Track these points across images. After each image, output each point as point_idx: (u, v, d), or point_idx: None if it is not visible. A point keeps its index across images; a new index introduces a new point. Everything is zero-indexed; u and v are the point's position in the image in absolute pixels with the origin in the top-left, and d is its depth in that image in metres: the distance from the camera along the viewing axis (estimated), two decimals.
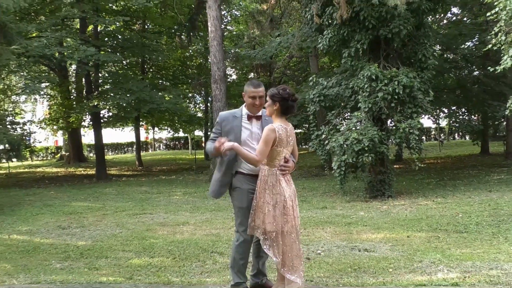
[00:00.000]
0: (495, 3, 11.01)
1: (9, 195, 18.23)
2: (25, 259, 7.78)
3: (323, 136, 14.07)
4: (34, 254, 8.11)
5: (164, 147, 55.77)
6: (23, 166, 33.96)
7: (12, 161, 23.27)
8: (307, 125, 28.68)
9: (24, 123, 26.42)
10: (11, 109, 33.31)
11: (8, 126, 18.34)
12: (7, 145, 15.07)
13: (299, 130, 38.17)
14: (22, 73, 28.32)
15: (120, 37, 26.95)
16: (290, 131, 4.91)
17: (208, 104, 34.10)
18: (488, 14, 11.74)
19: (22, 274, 6.72)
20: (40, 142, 36.79)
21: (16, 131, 20.35)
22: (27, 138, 24.02)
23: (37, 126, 32.44)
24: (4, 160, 17.24)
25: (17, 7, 13.97)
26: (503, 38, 11.11)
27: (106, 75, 28.48)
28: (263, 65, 32.17)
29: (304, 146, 40.22)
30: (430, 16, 18.08)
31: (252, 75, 34.17)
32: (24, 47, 18.79)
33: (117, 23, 26.09)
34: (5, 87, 30.09)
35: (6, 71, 25.98)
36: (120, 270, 6.72)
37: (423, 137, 14.20)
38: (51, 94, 32.23)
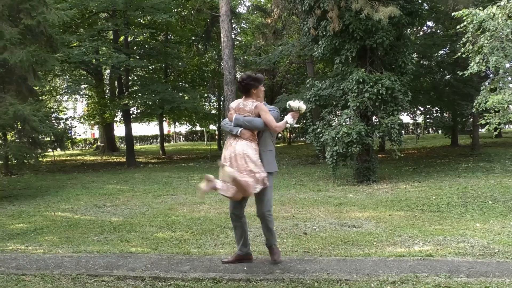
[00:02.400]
0: (464, 18, 11.00)
1: (54, 178, 18.32)
2: (67, 232, 7.83)
3: (318, 130, 14.07)
4: (75, 228, 8.17)
5: (183, 139, 55.75)
6: (66, 154, 34.06)
7: (56, 151, 23.26)
8: (304, 121, 28.68)
9: (67, 119, 26.38)
10: (55, 107, 33.31)
11: (53, 121, 18.34)
12: (52, 137, 15.08)
13: (297, 125, 38.06)
14: (64, 77, 28.55)
15: (146, 46, 26.91)
16: (244, 105, 5.00)
17: (221, 103, 34.05)
18: (458, 27, 11.68)
19: (65, 245, 6.77)
20: (79, 134, 36.84)
21: (59, 126, 20.35)
22: (69, 131, 23.99)
23: (77, 121, 32.57)
24: (50, 150, 17.25)
25: (61, 21, 13.98)
26: (470, 47, 11.07)
27: (135, 78, 28.47)
28: (267, 69, 32.14)
29: (301, 139, 40.15)
30: (409, 29, 18.00)
31: (258, 77, 34.03)
32: (66, 54, 18.85)
33: (144, 34, 26.11)
34: (51, 88, 30.15)
35: (52, 75, 26.17)
36: (147, 242, 6.75)
37: (403, 131, 14.15)
38: (89, 94, 32.31)
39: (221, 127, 5.10)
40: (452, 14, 11.56)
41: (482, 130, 19.69)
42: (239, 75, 31.66)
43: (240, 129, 4.88)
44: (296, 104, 5.13)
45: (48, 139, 15.30)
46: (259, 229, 6.23)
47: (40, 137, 13.98)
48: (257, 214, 5.22)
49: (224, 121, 5.20)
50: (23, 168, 15.55)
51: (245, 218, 5.35)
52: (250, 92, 5.04)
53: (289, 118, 5.10)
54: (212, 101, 38.47)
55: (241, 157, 4.76)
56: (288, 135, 40.22)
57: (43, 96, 25.46)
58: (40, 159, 14.50)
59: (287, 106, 5.19)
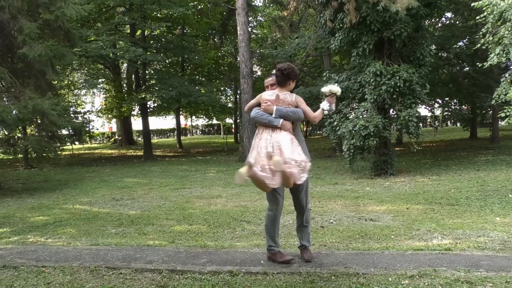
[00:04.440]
0: (484, 8, 10.85)
1: (73, 172, 18.51)
2: (86, 225, 7.90)
3: (335, 123, 14.01)
4: (93, 221, 8.22)
5: (200, 132, 55.97)
6: (84, 148, 34.40)
7: (75, 144, 23.48)
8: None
9: (85, 113, 26.63)
10: (74, 101, 33.68)
11: (72, 115, 18.51)
12: (71, 131, 15.23)
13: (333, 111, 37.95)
14: (82, 71, 28.80)
15: (163, 40, 27.00)
16: (285, 97, 4.86)
17: (237, 96, 34.07)
18: (477, 17, 11.55)
19: (84, 237, 6.83)
20: (97, 128, 37.26)
21: (78, 119, 20.52)
22: (87, 125, 24.19)
23: (95, 115, 32.93)
24: (68, 143, 17.43)
25: (79, 16, 14.06)
26: (490, 38, 10.94)
27: (152, 72, 28.59)
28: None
29: (318, 132, 40.04)
30: (427, 20, 17.79)
31: (274, 71, 34.06)
32: (84, 49, 19.00)
33: (161, 28, 26.18)
34: (69, 82, 30.45)
35: (70, 69, 26.42)
36: (164, 235, 6.78)
37: (420, 124, 14.06)
38: (107, 88, 32.61)
39: (254, 118, 4.90)
40: (472, 4, 11.42)
41: (502, 123, 19.40)
42: (255, 68, 31.68)
43: (281, 120, 4.74)
44: (327, 88, 5.05)
45: (66, 132, 15.45)
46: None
47: (58, 131, 14.12)
48: (297, 208, 5.16)
49: (258, 113, 4.88)
50: (42, 161, 15.78)
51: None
52: (288, 83, 4.90)
53: (324, 105, 5.01)
54: (228, 94, 38.57)
55: (286, 147, 4.58)
56: (305, 128, 40.13)
57: (62, 90, 25.70)
58: (59, 152, 14.64)
59: (320, 94, 5.13)
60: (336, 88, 5.04)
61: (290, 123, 4.81)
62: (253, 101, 5.07)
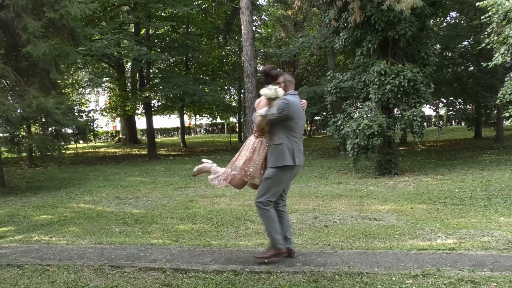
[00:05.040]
0: (488, 8, 10.83)
1: (77, 171, 18.55)
2: (90, 224, 7.93)
3: (339, 122, 14.02)
4: (97, 220, 8.25)
5: (204, 131, 55.95)
6: (88, 147, 34.43)
7: (79, 143, 23.55)
8: (325, 113, 28.57)
9: (89, 111, 26.82)
10: (78, 99, 33.76)
11: (76, 114, 18.59)
12: (75, 130, 15.25)
13: (318, 118, 37.98)
14: (87, 70, 28.81)
15: (167, 39, 27.03)
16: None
17: (241, 95, 34.07)
18: (482, 17, 11.54)
19: (88, 236, 6.85)
20: (101, 127, 37.42)
21: (82, 118, 20.57)
22: (91, 124, 24.31)
23: (99, 113, 33.00)
24: (72, 142, 17.47)
25: (83, 15, 14.08)
26: (495, 38, 10.93)
27: (156, 71, 28.61)
28: (288, 62, 32.15)
29: (322, 131, 40.03)
30: (432, 20, 17.75)
31: (275, 71, 34.05)
32: (88, 48, 19.02)
33: (165, 27, 26.21)
34: (73, 81, 30.52)
35: (74, 68, 26.46)
36: (168, 234, 6.79)
37: (425, 124, 14.01)
38: (111, 87, 32.61)
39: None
40: (477, 4, 11.40)
41: (507, 122, 19.38)
42: (260, 67, 31.71)
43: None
44: (264, 91, 4.75)
45: (70, 131, 15.48)
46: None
47: (63, 129, 14.15)
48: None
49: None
50: (46, 160, 15.78)
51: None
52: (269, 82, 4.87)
53: (260, 111, 4.77)
54: (232, 93, 38.56)
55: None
56: (309, 127, 40.12)
57: (66, 89, 25.77)
58: (63, 151, 14.68)
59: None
60: (269, 92, 4.70)
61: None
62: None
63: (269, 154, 4.85)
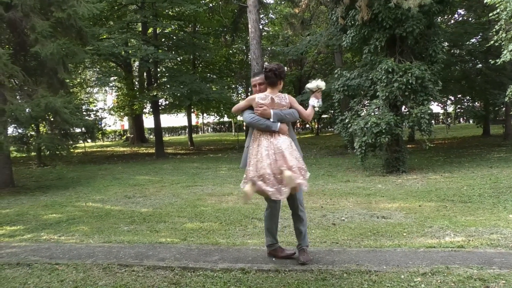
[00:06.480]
0: (497, 5, 10.77)
1: (85, 169, 18.62)
2: (98, 222, 7.95)
3: (347, 120, 13.99)
4: (106, 219, 8.28)
5: (211, 129, 56.00)
6: (96, 146, 34.59)
7: (87, 142, 23.65)
8: (332, 111, 28.51)
9: (97, 110, 26.96)
10: (86, 98, 33.90)
11: (84, 113, 18.68)
12: (83, 129, 15.30)
13: (325, 116, 37.91)
14: (94, 69, 28.89)
15: (175, 38, 27.07)
16: (280, 99, 4.73)
17: (248, 93, 34.06)
18: (490, 14, 11.48)
19: (96, 235, 6.87)
20: (109, 126, 37.54)
21: (90, 117, 20.70)
22: (99, 123, 24.40)
23: (107, 112, 33.09)
24: (80, 141, 17.55)
25: (91, 14, 14.13)
26: (503, 35, 10.87)
27: (164, 70, 28.64)
28: (295, 60, 32.18)
29: (329, 129, 39.96)
30: (439, 17, 17.69)
31: (285, 69, 34.07)
32: (96, 47, 19.07)
33: (172, 26, 26.29)
34: (81, 80, 30.64)
35: (82, 67, 26.56)
36: (176, 233, 6.80)
37: (433, 121, 13.95)
38: (118, 86, 32.73)
39: (250, 124, 4.72)
40: (485, 1, 11.34)
41: None
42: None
43: (279, 124, 4.61)
44: (313, 84, 4.96)
45: (79, 130, 15.54)
46: (287, 220, 6.22)
47: (71, 128, 14.21)
48: (292, 207, 4.97)
49: (254, 118, 4.69)
50: (55, 159, 15.89)
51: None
52: (279, 82, 4.74)
53: (313, 101, 4.90)
54: (239, 91, 38.57)
55: (289, 153, 4.46)
56: (316, 125, 40.04)
57: (74, 88, 25.87)
58: (71, 150, 14.73)
59: (306, 90, 4.97)
60: (321, 84, 4.95)
61: (286, 125, 4.72)
62: (242, 104, 4.92)
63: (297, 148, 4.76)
